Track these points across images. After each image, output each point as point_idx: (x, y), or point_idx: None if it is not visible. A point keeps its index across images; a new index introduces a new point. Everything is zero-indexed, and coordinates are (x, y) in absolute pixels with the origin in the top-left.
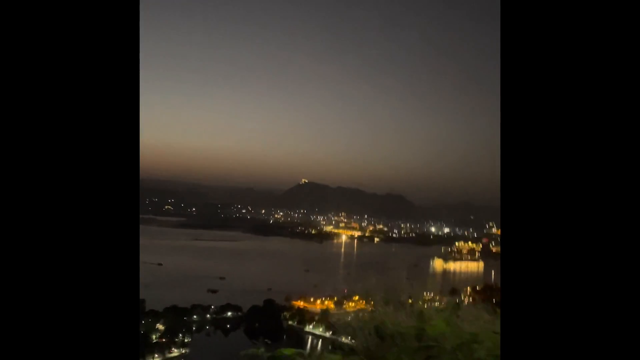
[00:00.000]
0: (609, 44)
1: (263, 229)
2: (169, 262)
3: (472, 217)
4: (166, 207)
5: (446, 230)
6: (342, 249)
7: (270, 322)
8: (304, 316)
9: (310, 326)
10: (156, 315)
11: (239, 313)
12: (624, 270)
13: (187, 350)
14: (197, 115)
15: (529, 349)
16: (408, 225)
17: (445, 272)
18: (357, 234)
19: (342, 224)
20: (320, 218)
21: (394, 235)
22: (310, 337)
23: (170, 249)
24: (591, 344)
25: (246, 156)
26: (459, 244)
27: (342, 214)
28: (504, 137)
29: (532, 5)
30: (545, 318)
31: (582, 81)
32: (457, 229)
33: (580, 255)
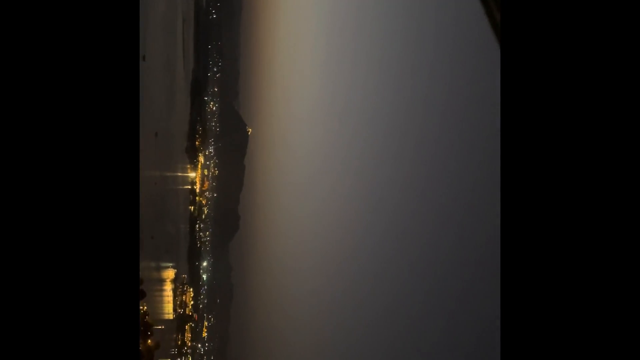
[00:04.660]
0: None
1: None
2: None
3: None
4: None
5: None
6: None
7: None
8: None
9: None
10: None
11: None
12: (625, 270)
13: None
14: None
15: (529, 348)
16: None
17: None
18: None
19: None
20: None
21: None
22: None
23: None
24: (589, 344)
25: None
26: None
27: None
28: (504, 138)
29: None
30: (545, 317)
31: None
32: None
33: (582, 254)
